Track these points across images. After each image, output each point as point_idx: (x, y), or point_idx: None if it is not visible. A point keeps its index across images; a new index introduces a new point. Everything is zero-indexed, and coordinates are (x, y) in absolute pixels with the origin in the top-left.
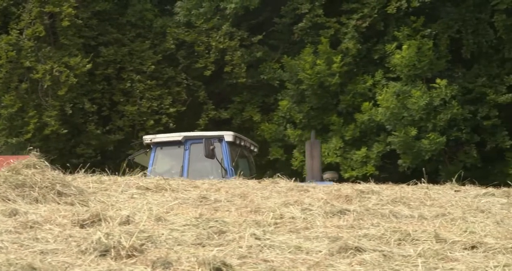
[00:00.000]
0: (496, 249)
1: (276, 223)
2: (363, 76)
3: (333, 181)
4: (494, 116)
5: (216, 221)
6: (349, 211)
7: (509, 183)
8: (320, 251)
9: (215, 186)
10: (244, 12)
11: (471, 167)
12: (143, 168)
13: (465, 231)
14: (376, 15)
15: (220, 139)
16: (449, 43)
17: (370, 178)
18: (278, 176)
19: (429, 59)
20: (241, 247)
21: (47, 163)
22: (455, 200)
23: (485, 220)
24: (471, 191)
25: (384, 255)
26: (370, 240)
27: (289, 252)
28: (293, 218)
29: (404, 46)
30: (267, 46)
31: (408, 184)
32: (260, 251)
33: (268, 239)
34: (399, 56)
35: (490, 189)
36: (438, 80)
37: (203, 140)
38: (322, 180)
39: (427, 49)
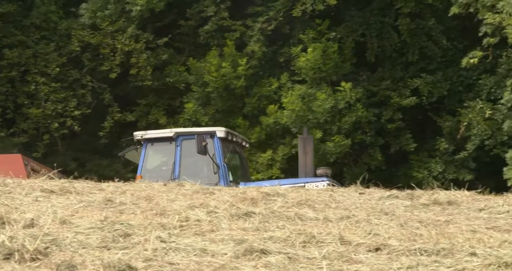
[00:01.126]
0: (400, 251)
1: (181, 226)
2: (268, 79)
3: (327, 176)
4: (398, 119)
5: (122, 223)
6: (254, 213)
7: (413, 185)
8: (226, 254)
9: (120, 188)
10: (149, 14)
11: (375, 169)
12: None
13: (369, 233)
14: (281, 18)
15: (212, 134)
16: (353, 47)
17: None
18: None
19: (334, 62)
20: (146, 250)
21: None
22: (360, 202)
23: (389, 222)
24: (375, 193)
25: (289, 258)
26: (275, 242)
27: (195, 255)
28: (198, 220)
29: (309, 49)
30: (173, 49)
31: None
32: (166, 253)
33: (174, 241)
34: (304, 59)
35: (394, 191)
36: (343, 83)
37: (195, 136)
38: (315, 175)
39: (332, 52)
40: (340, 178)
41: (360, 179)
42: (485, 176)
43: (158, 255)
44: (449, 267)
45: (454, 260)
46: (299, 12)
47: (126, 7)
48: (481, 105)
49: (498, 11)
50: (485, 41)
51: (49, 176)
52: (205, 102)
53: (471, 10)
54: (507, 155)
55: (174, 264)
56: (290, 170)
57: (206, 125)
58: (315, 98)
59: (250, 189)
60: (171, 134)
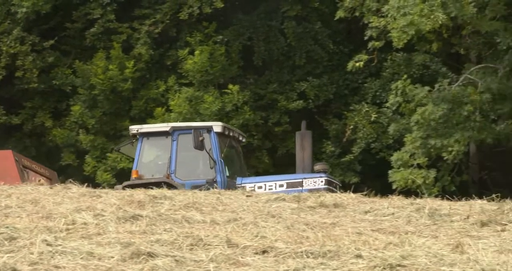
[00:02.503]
0: (287, 253)
1: (68, 229)
2: (156, 82)
3: (325, 172)
4: (285, 122)
5: (7, 227)
6: (141, 216)
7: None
8: (113, 257)
9: (6, 191)
10: (35, 16)
11: (263, 172)
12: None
13: (256, 236)
14: (168, 21)
15: (209, 129)
16: (241, 50)
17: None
18: (70, 182)
19: (221, 65)
20: (32, 253)
21: None
22: (247, 205)
23: (276, 224)
24: (262, 196)
25: (176, 260)
26: (162, 245)
27: (81, 258)
28: (85, 223)
29: (197, 52)
30: (59, 52)
31: (201, 189)
32: (52, 257)
33: (60, 245)
34: (191, 61)
35: (281, 194)
36: (230, 86)
37: (192, 131)
38: (312, 171)
39: (219, 55)
40: None
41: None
42: (371, 179)
43: (44, 258)
44: (335, 269)
45: (340, 262)
46: (186, 15)
47: (11, 9)
48: (367, 109)
49: (383, 15)
50: (370, 44)
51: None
52: (92, 105)
53: (357, 14)
54: (392, 158)
55: (60, 268)
56: None
57: (92, 128)
58: (202, 101)
59: (137, 192)
60: (167, 129)
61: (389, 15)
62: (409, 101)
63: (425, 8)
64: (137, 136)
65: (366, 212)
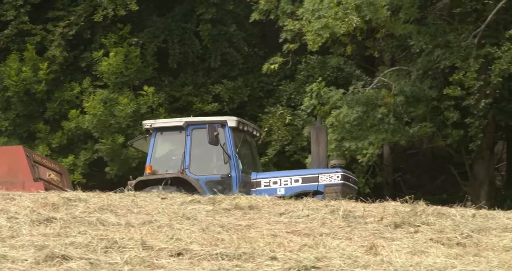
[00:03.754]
0: (202, 255)
1: None
2: (70, 84)
3: (341, 167)
4: None
5: None
6: (55, 219)
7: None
8: (26, 260)
9: None
10: None
11: None
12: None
13: (172, 238)
14: (82, 23)
15: (223, 124)
16: (156, 52)
17: (77, 185)
18: None
19: (136, 67)
20: None
21: None
22: (162, 207)
23: (191, 227)
24: (178, 198)
25: (91, 263)
26: (77, 248)
27: None
28: None
29: (111, 54)
30: None
31: (115, 192)
32: None
33: None
34: (106, 63)
35: (196, 196)
36: (145, 88)
37: (207, 126)
38: (327, 166)
39: (134, 57)
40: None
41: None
42: None
43: None
44: None
45: (255, 264)
46: (100, 17)
47: None
48: (282, 111)
49: (297, 18)
50: (285, 47)
51: None
52: (5, 107)
53: (272, 16)
54: (307, 160)
55: None
56: (92, 175)
57: (6, 130)
58: (117, 102)
59: (52, 194)
60: (181, 124)
61: (304, 18)
62: (323, 103)
63: (339, 11)
64: (150, 131)
65: (281, 214)
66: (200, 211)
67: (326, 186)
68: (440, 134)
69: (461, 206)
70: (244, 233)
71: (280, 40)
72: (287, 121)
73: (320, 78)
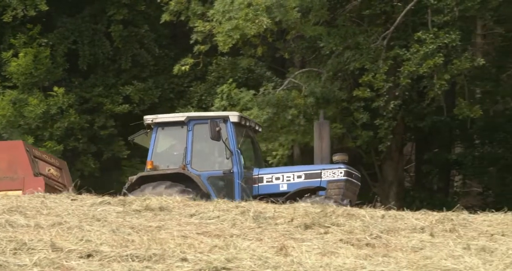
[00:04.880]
0: (112, 257)
1: None
2: None
3: (344, 163)
4: (111, 126)
5: None
6: None
7: (125, 192)
8: None
9: None
10: None
11: (88, 176)
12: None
13: (81, 240)
14: None
15: (225, 119)
16: (66, 53)
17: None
18: None
19: (46, 67)
20: None
21: None
22: (72, 209)
23: (101, 228)
24: (88, 199)
25: (0, 265)
26: None
27: None
28: None
29: (21, 54)
30: None
31: (24, 193)
32: None
33: None
34: (15, 64)
35: (107, 198)
36: (55, 89)
37: (209, 121)
38: (331, 162)
39: (44, 57)
40: None
41: (72, 185)
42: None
43: None
44: None
45: (165, 265)
46: (10, 18)
47: None
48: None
49: (208, 19)
50: (196, 48)
51: None
52: None
53: (182, 18)
54: (274, 160)
55: None
56: None
57: None
58: (26, 103)
59: None
60: (182, 119)
61: (214, 19)
62: (234, 105)
63: (250, 12)
64: (152, 126)
65: (191, 215)
66: (111, 212)
67: (329, 182)
68: (350, 136)
69: (370, 207)
70: (155, 234)
71: (191, 42)
72: None
73: (231, 80)
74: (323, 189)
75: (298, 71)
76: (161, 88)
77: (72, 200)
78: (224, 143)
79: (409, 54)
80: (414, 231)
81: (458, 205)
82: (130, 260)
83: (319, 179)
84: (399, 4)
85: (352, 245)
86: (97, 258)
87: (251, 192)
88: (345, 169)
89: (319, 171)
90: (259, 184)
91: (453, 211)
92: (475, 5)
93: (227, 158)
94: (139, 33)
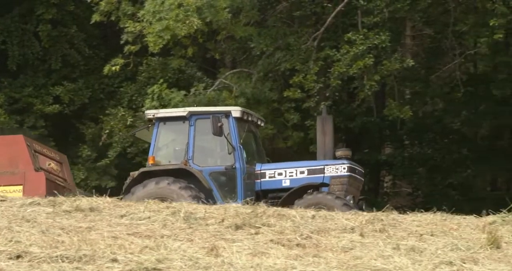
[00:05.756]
0: (41, 258)
1: None
2: None
3: (348, 158)
4: (41, 126)
5: None
6: None
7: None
8: None
9: None
10: None
11: None
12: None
13: (11, 241)
14: None
15: (227, 114)
16: None
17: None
18: None
19: None
20: None
21: None
22: (1, 210)
23: (30, 229)
24: (18, 200)
25: None
26: None
27: None
28: None
29: None
30: None
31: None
32: None
33: None
34: None
35: (36, 198)
36: None
37: (211, 116)
38: (334, 157)
39: None
40: None
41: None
42: None
43: None
44: None
45: (96, 266)
46: None
47: None
48: (123, 113)
49: (139, 19)
50: (126, 49)
51: None
52: None
53: (113, 18)
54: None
55: None
56: None
57: None
58: None
59: None
60: (184, 114)
61: (145, 20)
62: (165, 105)
63: (180, 13)
64: (153, 121)
65: (122, 216)
66: (40, 213)
67: (332, 177)
68: (280, 136)
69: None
70: (85, 235)
71: (122, 42)
72: (128, 123)
73: (161, 80)
74: (326, 185)
75: (229, 72)
76: (92, 89)
77: (1, 201)
78: (226, 138)
79: (339, 55)
80: (344, 231)
81: (388, 205)
82: (60, 261)
83: (322, 175)
84: (329, 5)
85: (283, 245)
86: (27, 259)
87: (254, 187)
88: (348, 165)
89: (322, 167)
90: (262, 180)
91: (383, 211)
92: (404, 6)
93: (229, 153)
94: (68, 33)
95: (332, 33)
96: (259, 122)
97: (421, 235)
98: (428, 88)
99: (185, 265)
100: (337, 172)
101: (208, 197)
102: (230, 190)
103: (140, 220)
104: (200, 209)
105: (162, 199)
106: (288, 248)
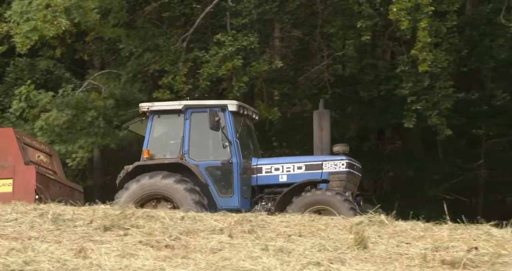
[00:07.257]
0: None
1: None
2: None
3: (345, 154)
4: None
5: None
6: None
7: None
8: None
9: None
10: None
11: None
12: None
13: None
14: None
15: (224, 108)
16: None
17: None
18: None
19: None
20: None
21: None
22: None
23: None
24: None
25: None
26: None
27: None
28: None
29: None
30: None
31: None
32: None
33: None
34: None
35: None
36: None
37: (208, 110)
38: (332, 153)
39: None
40: None
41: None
42: None
43: None
44: None
45: None
46: None
47: None
48: None
49: (6, 20)
50: None
51: None
52: None
53: None
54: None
55: None
56: None
57: None
58: None
59: None
60: (179, 107)
61: (12, 20)
62: (33, 107)
63: (48, 13)
64: (147, 114)
65: None
66: None
67: (330, 173)
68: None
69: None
70: None
71: None
72: None
73: (29, 81)
74: (326, 181)
75: (98, 73)
76: None
77: None
78: (222, 132)
79: (208, 56)
80: (213, 232)
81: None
82: None
83: (320, 171)
84: (198, 6)
85: (152, 246)
86: None
87: (250, 182)
88: (347, 161)
89: (320, 162)
90: (258, 175)
91: (252, 212)
92: (273, 8)
93: (224, 147)
94: None
95: (201, 35)
96: (254, 116)
97: (290, 235)
98: (296, 90)
99: (53, 267)
100: (335, 168)
101: (203, 192)
102: (226, 184)
103: (7, 222)
104: (68, 210)
105: (157, 194)
106: (157, 250)
